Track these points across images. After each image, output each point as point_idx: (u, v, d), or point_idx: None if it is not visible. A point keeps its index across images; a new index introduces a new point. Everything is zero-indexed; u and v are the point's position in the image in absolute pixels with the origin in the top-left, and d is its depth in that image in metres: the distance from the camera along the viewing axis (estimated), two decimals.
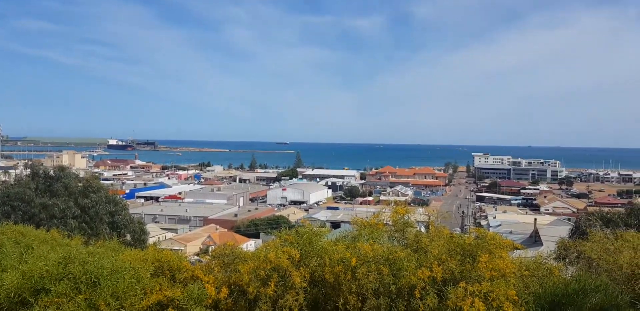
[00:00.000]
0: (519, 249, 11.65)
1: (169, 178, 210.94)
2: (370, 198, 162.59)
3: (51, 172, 38.23)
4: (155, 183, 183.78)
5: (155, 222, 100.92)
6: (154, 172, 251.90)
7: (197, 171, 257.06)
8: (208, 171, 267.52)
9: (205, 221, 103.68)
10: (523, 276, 8.67)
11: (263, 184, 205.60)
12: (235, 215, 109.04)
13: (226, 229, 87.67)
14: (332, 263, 8.25)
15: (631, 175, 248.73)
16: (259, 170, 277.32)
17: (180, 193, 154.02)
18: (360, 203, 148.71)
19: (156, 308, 7.76)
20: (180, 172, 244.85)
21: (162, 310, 7.70)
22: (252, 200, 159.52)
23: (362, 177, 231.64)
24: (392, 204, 10.29)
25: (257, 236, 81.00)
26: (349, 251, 8.40)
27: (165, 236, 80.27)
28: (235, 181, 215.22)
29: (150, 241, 47.02)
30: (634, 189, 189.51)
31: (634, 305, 8.89)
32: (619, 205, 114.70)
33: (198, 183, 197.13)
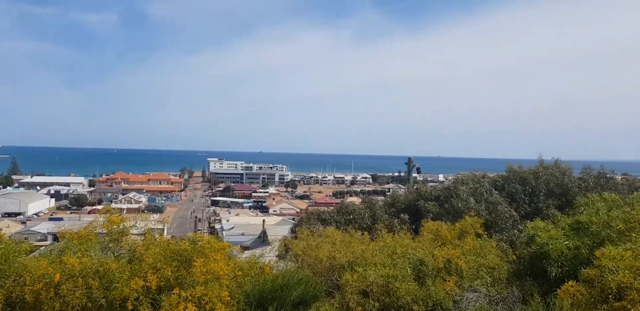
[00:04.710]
0: (236, 251, 12.28)
1: None
2: (99, 207, 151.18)
3: None
4: None
5: None
6: None
7: None
8: None
9: None
10: (237, 277, 9.16)
11: None
12: None
13: None
14: (32, 281, 7.42)
15: (343, 178, 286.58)
16: None
17: None
18: (89, 212, 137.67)
19: None
20: None
21: None
22: None
23: (91, 184, 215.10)
24: (108, 213, 9.77)
25: None
26: (52, 266, 7.67)
27: None
28: None
29: None
30: (345, 190, 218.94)
31: (330, 293, 10.23)
32: (334, 204, 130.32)
33: None
